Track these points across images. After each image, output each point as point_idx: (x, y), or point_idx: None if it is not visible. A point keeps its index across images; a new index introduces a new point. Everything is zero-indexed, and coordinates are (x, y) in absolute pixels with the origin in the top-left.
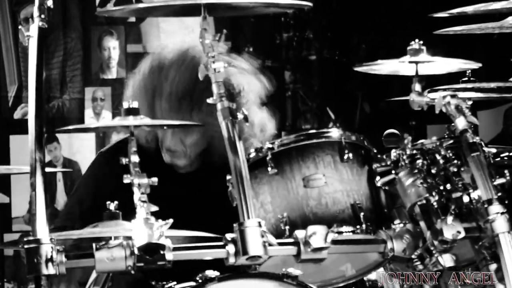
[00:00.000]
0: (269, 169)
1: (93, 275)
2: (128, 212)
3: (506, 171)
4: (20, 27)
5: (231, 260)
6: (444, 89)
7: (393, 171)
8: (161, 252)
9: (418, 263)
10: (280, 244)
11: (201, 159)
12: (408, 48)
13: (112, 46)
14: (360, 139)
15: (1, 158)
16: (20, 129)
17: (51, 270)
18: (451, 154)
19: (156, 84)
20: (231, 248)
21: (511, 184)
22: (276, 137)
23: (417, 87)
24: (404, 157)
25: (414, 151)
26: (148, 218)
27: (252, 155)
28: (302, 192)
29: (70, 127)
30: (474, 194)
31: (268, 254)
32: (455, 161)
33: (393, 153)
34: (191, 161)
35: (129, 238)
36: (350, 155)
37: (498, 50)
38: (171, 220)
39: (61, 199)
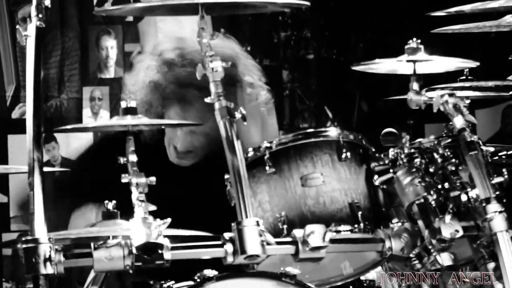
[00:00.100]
0: (267, 168)
1: (91, 274)
2: (126, 211)
3: (504, 170)
4: (17, 26)
5: (229, 259)
6: (442, 88)
7: (391, 170)
8: (159, 251)
9: (416, 262)
10: (278, 243)
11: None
12: (406, 47)
13: (110, 45)
14: (358, 138)
15: None
16: (18, 129)
17: (49, 269)
18: (449, 153)
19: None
20: (229, 247)
21: (509, 183)
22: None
23: (415, 86)
24: (402, 156)
25: (412, 150)
26: (146, 218)
27: (250, 154)
28: (300, 191)
29: (68, 127)
30: (472, 193)
31: (266, 253)
32: (453, 160)
33: (391, 152)
34: (199, 160)
35: (127, 237)
36: (348, 154)
37: (496, 49)
38: (169, 220)
39: None
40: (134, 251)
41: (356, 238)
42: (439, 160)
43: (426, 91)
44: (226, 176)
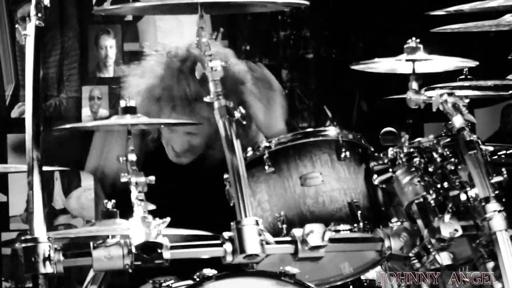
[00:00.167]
0: (266, 167)
1: (91, 273)
2: (126, 211)
3: (503, 169)
4: (17, 26)
5: (229, 258)
6: (441, 87)
7: (390, 169)
8: (159, 250)
9: (416, 261)
10: (277, 242)
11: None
12: (405, 46)
13: (109, 44)
14: (357, 137)
15: None
16: (18, 128)
17: (48, 268)
18: (448, 152)
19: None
20: (228, 246)
21: (508, 182)
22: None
23: (414, 85)
24: (401, 155)
25: (411, 149)
26: (146, 217)
27: (249, 153)
28: (299, 191)
29: (67, 126)
30: (472, 192)
31: (266, 253)
32: (452, 159)
33: (390, 151)
34: (198, 157)
35: (127, 236)
36: (347, 153)
37: (495, 48)
38: (168, 219)
39: (59, 197)
40: (134, 250)
41: (356, 237)
42: (438, 159)
43: (425, 90)
44: (226, 176)
